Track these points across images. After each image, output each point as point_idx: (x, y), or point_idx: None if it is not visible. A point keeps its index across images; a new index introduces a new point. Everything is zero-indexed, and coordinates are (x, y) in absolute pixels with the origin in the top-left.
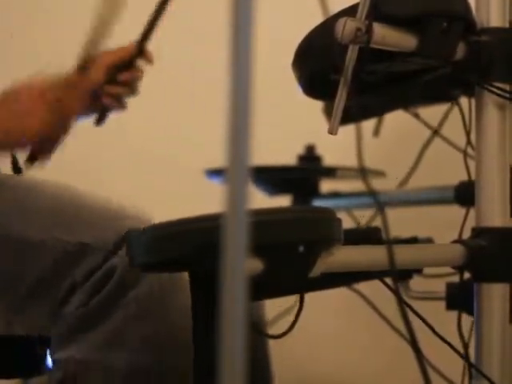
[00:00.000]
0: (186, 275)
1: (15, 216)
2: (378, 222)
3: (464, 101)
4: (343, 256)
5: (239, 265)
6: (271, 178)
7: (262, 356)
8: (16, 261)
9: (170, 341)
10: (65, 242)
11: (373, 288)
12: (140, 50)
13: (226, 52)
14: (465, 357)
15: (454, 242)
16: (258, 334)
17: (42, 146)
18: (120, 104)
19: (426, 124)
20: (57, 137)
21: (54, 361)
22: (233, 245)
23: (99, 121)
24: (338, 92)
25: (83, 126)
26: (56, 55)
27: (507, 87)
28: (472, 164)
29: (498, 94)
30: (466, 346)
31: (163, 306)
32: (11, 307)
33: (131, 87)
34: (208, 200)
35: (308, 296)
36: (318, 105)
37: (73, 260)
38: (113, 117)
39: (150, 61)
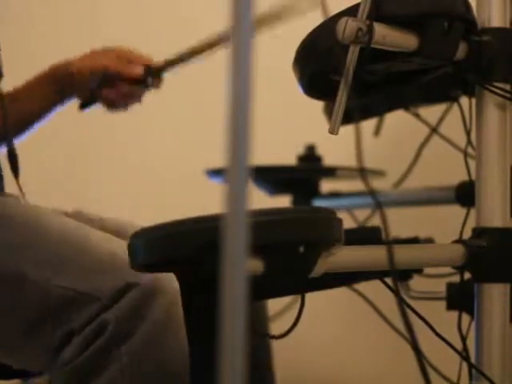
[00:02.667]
0: (177, 316)
1: (14, 250)
2: (377, 222)
3: (464, 101)
4: (343, 256)
5: (239, 265)
6: (271, 178)
7: (264, 357)
8: (11, 297)
9: None
10: (63, 288)
11: (373, 288)
12: (157, 74)
13: (225, 52)
14: (465, 357)
15: (455, 242)
16: (258, 334)
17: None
18: (111, 107)
19: (426, 124)
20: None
21: None
22: (233, 245)
23: (82, 107)
24: (339, 92)
25: (84, 126)
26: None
27: (508, 87)
28: (472, 164)
29: (499, 94)
30: (466, 346)
31: (157, 357)
32: (7, 345)
33: (129, 101)
34: (208, 200)
35: (308, 296)
36: (318, 105)
37: (68, 308)
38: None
39: (158, 86)
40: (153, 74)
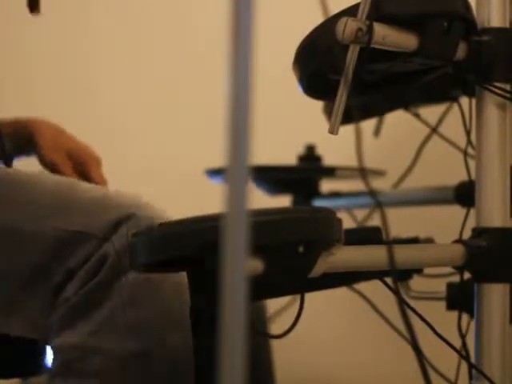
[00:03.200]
0: None
1: (9, 208)
2: (377, 222)
3: (464, 101)
4: (343, 256)
5: (239, 265)
6: (271, 177)
7: (265, 357)
8: (9, 253)
9: (167, 322)
10: (59, 231)
11: (373, 288)
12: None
13: (225, 51)
14: (465, 357)
15: (455, 242)
16: (258, 334)
17: None
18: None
19: (427, 124)
20: None
21: (51, 347)
22: (233, 245)
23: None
24: (339, 92)
25: (84, 126)
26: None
27: (508, 87)
28: (472, 164)
29: (499, 94)
30: (466, 346)
31: (157, 288)
32: (7, 299)
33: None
34: (208, 200)
35: (308, 296)
36: (318, 105)
37: (67, 248)
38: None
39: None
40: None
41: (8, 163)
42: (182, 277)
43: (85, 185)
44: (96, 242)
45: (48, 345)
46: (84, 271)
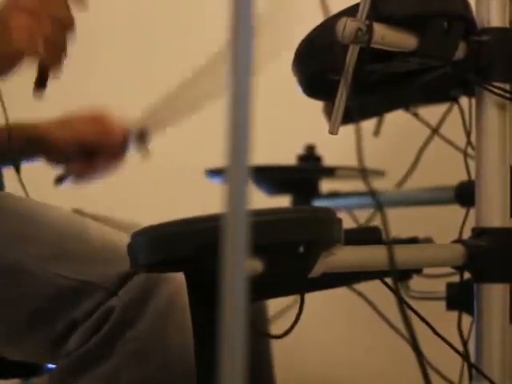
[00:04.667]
0: (182, 304)
1: (13, 243)
2: (377, 222)
3: (464, 101)
4: (343, 256)
5: (239, 265)
6: (271, 178)
7: (265, 358)
8: (11, 289)
9: (171, 377)
10: (65, 278)
11: (373, 288)
12: (140, 137)
13: (226, 51)
14: (465, 357)
15: (454, 242)
16: (258, 334)
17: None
18: (81, 180)
19: (427, 124)
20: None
21: None
22: (233, 245)
23: (59, 181)
24: (339, 92)
25: None
26: None
27: (507, 87)
28: (472, 164)
29: (499, 94)
30: (466, 346)
31: (161, 343)
32: (8, 337)
33: (100, 169)
34: (208, 200)
35: (308, 296)
36: (318, 105)
37: (72, 297)
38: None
39: (145, 151)
40: (135, 141)
41: (17, 164)
42: (186, 324)
43: (96, 227)
44: (103, 295)
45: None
46: (89, 323)
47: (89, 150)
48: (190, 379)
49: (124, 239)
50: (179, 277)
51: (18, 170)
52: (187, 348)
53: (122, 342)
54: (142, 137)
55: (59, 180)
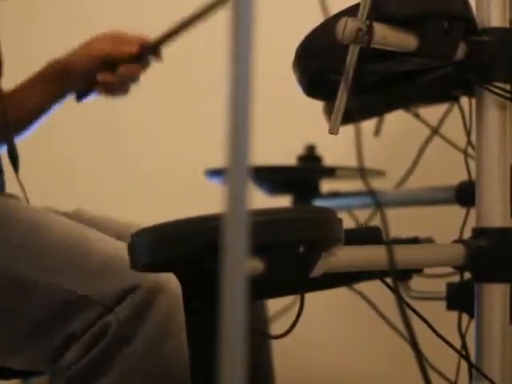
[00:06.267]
0: (178, 317)
1: (17, 254)
2: (377, 222)
3: (464, 101)
4: (343, 256)
5: (239, 265)
6: (271, 177)
7: (265, 358)
8: (14, 299)
9: None
10: (65, 291)
11: (373, 288)
12: (155, 48)
13: (226, 52)
14: (465, 357)
15: (455, 242)
16: (259, 334)
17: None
18: (110, 93)
19: (427, 124)
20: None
21: None
22: (233, 245)
23: (79, 97)
24: (339, 92)
25: (84, 126)
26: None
27: (508, 87)
28: (473, 164)
29: (499, 94)
30: (466, 346)
31: (159, 358)
32: (8, 346)
33: (128, 81)
34: (208, 200)
35: (308, 296)
36: (318, 105)
37: (71, 310)
38: (103, 102)
39: (159, 60)
40: (151, 50)
41: (13, 157)
42: (182, 339)
43: (95, 239)
44: (100, 310)
45: None
46: (86, 338)
47: (108, 62)
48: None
49: (123, 248)
50: (176, 290)
51: (16, 171)
52: (184, 362)
53: (119, 357)
54: (156, 47)
55: (80, 96)
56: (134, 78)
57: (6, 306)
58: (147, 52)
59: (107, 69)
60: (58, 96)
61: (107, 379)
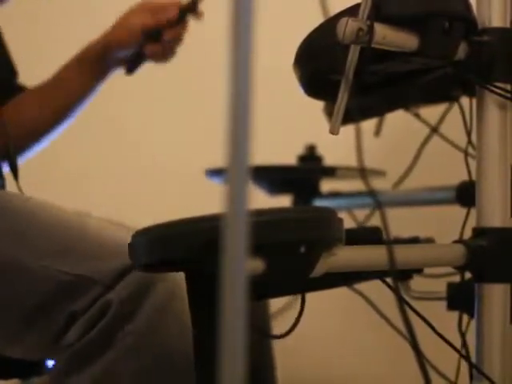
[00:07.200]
0: (181, 297)
1: (10, 239)
2: (377, 222)
3: (465, 101)
4: (344, 256)
5: (239, 265)
6: (271, 177)
7: (266, 358)
8: (10, 286)
9: (170, 369)
10: (63, 273)
11: (373, 288)
12: (192, 7)
13: (226, 52)
14: (465, 357)
15: (455, 242)
16: (260, 334)
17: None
18: (159, 60)
19: (427, 124)
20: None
21: None
22: (233, 245)
23: (130, 71)
24: (340, 92)
25: (84, 125)
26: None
27: (508, 87)
28: (473, 164)
29: (500, 94)
30: (466, 346)
31: (160, 336)
32: (7, 334)
33: (174, 46)
34: (208, 200)
35: (308, 296)
36: (319, 105)
37: (69, 291)
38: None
39: (200, 18)
40: (189, 9)
41: (12, 162)
42: (186, 320)
43: (95, 224)
44: (100, 289)
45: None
46: (87, 317)
47: (152, 33)
48: (189, 372)
49: (121, 234)
50: (178, 273)
51: (15, 177)
52: (186, 341)
53: (120, 335)
54: (193, 5)
55: (130, 69)
56: (178, 41)
57: (2, 294)
58: (185, 13)
59: (150, 39)
60: (100, 78)
61: (109, 356)
